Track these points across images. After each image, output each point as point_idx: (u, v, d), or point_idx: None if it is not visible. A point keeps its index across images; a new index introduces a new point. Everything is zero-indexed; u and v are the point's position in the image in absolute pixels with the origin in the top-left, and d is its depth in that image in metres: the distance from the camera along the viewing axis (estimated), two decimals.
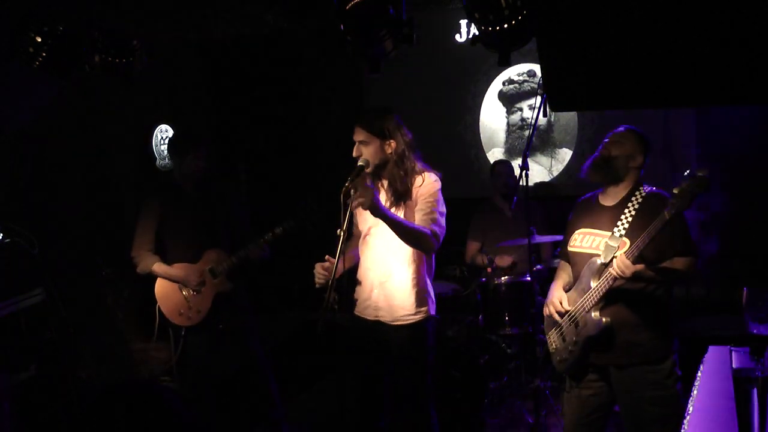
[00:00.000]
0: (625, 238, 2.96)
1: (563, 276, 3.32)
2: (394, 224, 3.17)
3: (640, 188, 3.08)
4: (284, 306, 7.04)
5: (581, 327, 3.03)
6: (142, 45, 4.21)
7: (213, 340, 4.22)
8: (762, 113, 5.31)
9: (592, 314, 2.98)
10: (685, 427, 2.18)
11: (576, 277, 3.13)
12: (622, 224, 3.00)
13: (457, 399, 4.39)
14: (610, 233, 3.02)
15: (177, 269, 4.13)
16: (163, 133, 6.12)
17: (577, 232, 3.20)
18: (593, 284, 2.98)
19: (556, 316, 3.17)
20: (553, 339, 3.22)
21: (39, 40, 3.89)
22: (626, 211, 3.03)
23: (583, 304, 3.02)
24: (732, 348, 3.78)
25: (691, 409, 2.44)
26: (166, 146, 6.14)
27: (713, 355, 3.02)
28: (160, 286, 4.15)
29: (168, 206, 4.16)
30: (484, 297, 4.67)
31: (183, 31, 5.65)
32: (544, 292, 4.92)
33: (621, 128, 3.16)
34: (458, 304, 5.04)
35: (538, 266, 4.79)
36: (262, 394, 4.29)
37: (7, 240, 3.76)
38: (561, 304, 3.14)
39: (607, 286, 2.94)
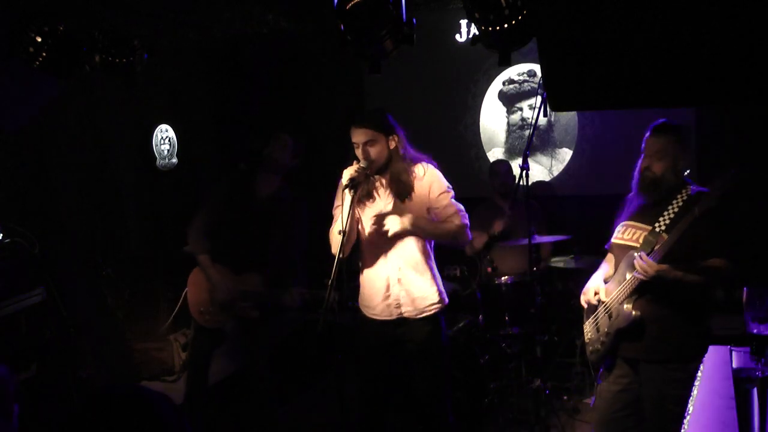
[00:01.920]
0: (665, 234, 2.97)
1: (605, 267, 3.35)
2: (432, 233, 3.34)
3: (688, 186, 3.07)
4: (284, 306, 7.03)
5: (614, 318, 3.08)
6: (142, 45, 4.20)
7: (218, 340, 4.20)
8: (762, 113, 5.31)
9: (624, 306, 3.03)
10: (686, 427, 2.18)
11: (616, 269, 3.17)
12: (664, 220, 3.01)
13: (458, 399, 4.39)
14: (651, 228, 3.03)
15: (217, 273, 4.04)
16: (164, 132, 6.12)
17: (621, 224, 3.23)
18: (628, 277, 3.01)
19: (585, 305, 3.25)
20: (588, 329, 3.28)
21: (39, 39, 3.89)
22: (670, 207, 3.03)
23: (618, 296, 3.07)
24: (732, 348, 3.78)
25: (691, 409, 2.44)
26: (167, 146, 6.14)
27: (713, 355, 3.03)
28: (196, 276, 4.15)
29: (235, 203, 4.09)
30: (485, 297, 4.67)
31: (183, 30, 5.65)
32: (545, 292, 4.95)
33: (655, 132, 3.09)
34: (458, 304, 5.04)
35: (539, 266, 4.79)
36: (259, 400, 4.22)
37: (8, 240, 3.76)
38: (596, 294, 3.18)
39: (637, 280, 2.97)
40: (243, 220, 4.06)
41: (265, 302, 4.06)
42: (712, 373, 2.83)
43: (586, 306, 3.28)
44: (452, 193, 3.41)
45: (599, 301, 3.18)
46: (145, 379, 5.32)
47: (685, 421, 2.21)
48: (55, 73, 4.05)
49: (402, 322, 3.40)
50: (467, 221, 3.40)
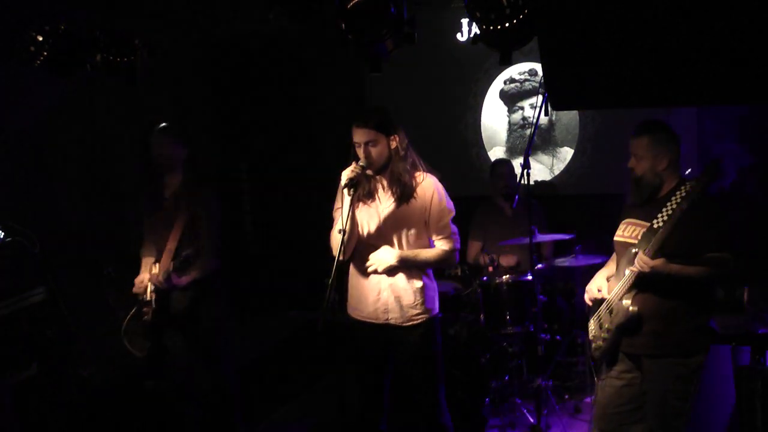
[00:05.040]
0: (661, 231, 2.97)
1: (610, 265, 3.37)
2: (420, 265, 3.35)
3: (686, 182, 3.07)
4: (284, 306, 7.04)
5: (614, 314, 3.11)
6: (143, 44, 4.20)
7: (191, 341, 4.06)
8: (762, 113, 5.30)
9: (624, 302, 3.05)
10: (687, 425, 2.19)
11: (618, 266, 3.19)
12: (662, 216, 3.01)
13: (459, 398, 4.38)
14: (650, 224, 3.04)
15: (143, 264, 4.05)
16: None
17: (623, 222, 3.25)
18: (627, 273, 3.04)
19: (589, 302, 3.28)
20: (592, 326, 3.30)
21: (40, 39, 3.89)
22: (669, 204, 3.03)
23: (618, 292, 3.10)
24: (734, 347, 3.78)
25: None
26: None
27: (715, 354, 3.03)
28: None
29: (147, 210, 4.08)
30: (486, 296, 4.66)
31: (184, 30, 5.65)
32: (546, 291, 4.95)
33: (635, 132, 3.14)
34: (459, 303, 5.05)
35: (540, 265, 4.78)
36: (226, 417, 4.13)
37: (9, 239, 3.76)
38: (600, 291, 3.22)
39: (635, 276, 3.00)
40: (155, 222, 4.03)
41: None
42: (714, 373, 2.84)
43: (590, 303, 3.29)
44: (453, 213, 3.39)
45: (602, 298, 3.20)
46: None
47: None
48: (56, 73, 4.05)
49: (389, 327, 3.38)
50: (458, 245, 3.41)
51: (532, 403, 4.47)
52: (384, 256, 3.30)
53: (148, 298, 3.90)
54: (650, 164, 3.08)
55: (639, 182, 3.12)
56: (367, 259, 3.36)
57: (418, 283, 3.36)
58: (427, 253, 3.37)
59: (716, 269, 2.99)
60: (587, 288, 3.31)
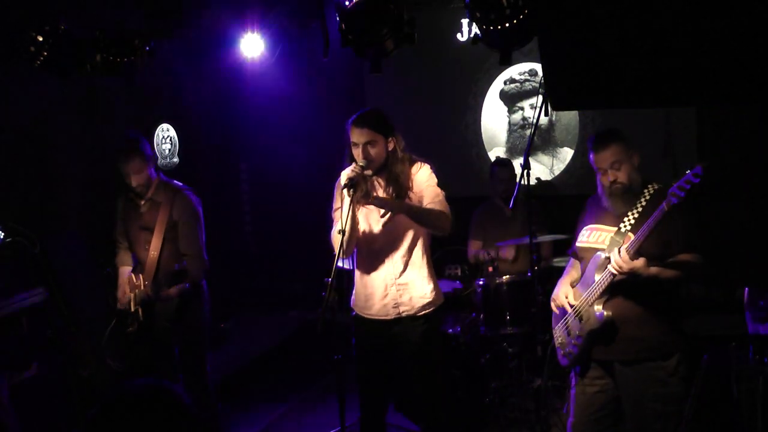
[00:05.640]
0: (630, 234, 2.96)
1: (572, 272, 3.33)
2: (416, 213, 3.30)
3: (649, 186, 3.07)
4: (284, 306, 7.05)
5: (584, 321, 3.06)
6: (143, 44, 4.20)
7: (176, 350, 4.06)
8: (762, 113, 5.30)
9: (595, 308, 3.01)
10: (686, 426, 2.18)
11: (583, 273, 3.15)
12: (629, 220, 3.00)
13: (458, 398, 4.39)
14: (617, 229, 3.02)
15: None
16: (165, 132, 6.13)
17: (585, 228, 3.22)
18: (597, 278, 2.99)
19: (556, 310, 3.23)
20: (558, 333, 3.25)
21: (40, 39, 3.90)
22: (634, 208, 3.02)
23: (587, 299, 3.05)
24: (732, 347, 3.78)
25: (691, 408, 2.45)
26: (168, 145, 6.15)
27: (713, 355, 3.03)
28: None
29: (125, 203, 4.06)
30: (485, 296, 4.66)
31: (184, 30, 5.64)
32: (545, 291, 4.94)
33: (597, 148, 3.06)
34: (459, 302, 5.05)
35: (539, 265, 4.78)
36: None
37: (9, 239, 3.76)
38: (567, 298, 3.17)
39: (608, 281, 2.95)
40: (131, 229, 4.03)
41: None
42: (713, 373, 2.84)
43: (557, 311, 3.26)
44: (442, 193, 3.39)
45: (570, 304, 3.16)
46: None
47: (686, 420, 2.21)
48: (56, 73, 4.05)
49: (399, 321, 3.40)
50: (449, 213, 3.37)
51: (532, 403, 4.47)
52: (391, 203, 3.25)
53: (132, 310, 3.85)
54: (630, 165, 3.04)
55: (628, 188, 3.04)
56: (371, 259, 3.41)
57: (426, 273, 3.44)
58: (425, 208, 3.33)
59: (689, 271, 2.97)
60: (553, 296, 3.26)
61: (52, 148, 4.94)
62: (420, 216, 3.31)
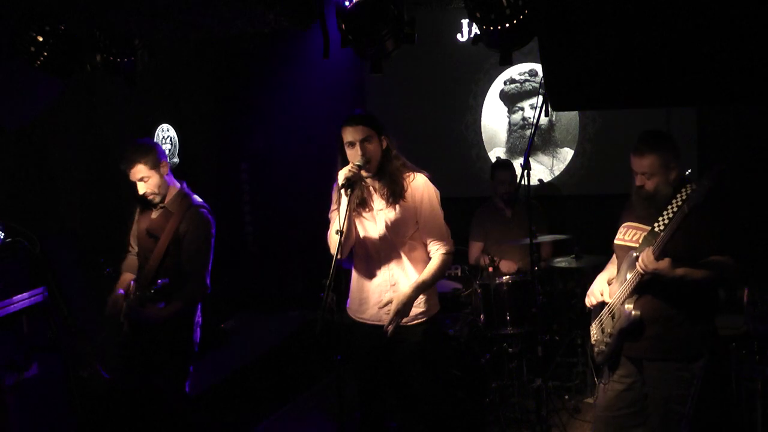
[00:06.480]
0: (664, 234, 2.95)
1: (610, 268, 3.35)
2: (426, 289, 3.32)
3: (687, 185, 3.04)
4: (284, 306, 7.05)
5: (616, 319, 3.09)
6: (143, 44, 4.20)
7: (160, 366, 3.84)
8: (762, 113, 5.30)
9: (625, 306, 3.04)
10: (688, 427, 2.18)
11: (618, 270, 3.18)
12: (663, 220, 3.00)
13: (459, 398, 4.38)
14: (651, 228, 3.03)
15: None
16: (165, 132, 6.13)
17: (623, 225, 3.23)
18: (629, 277, 3.03)
19: (590, 305, 3.27)
20: (594, 330, 3.29)
21: (40, 39, 3.89)
22: (669, 207, 3.01)
23: (620, 297, 3.08)
24: (732, 347, 3.78)
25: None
26: (168, 145, 6.15)
27: (715, 354, 3.02)
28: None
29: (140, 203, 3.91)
30: (486, 296, 4.66)
31: (184, 30, 5.65)
32: (546, 291, 4.95)
33: (636, 152, 3.03)
34: (459, 303, 5.05)
35: (539, 265, 4.78)
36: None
37: (9, 239, 3.75)
38: (602, 295, 3.20)
39: (637, 280, 2.98)
40: (141, 233, 3.88)
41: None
42: (712, 373, 2.83)
43: (591, 307, 3.28)
44: (441, 214, 3.39)
45: (604, 302, 3.19)
46: None
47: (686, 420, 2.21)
48: (56, 73, 4.05)
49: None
50: (452, 247, 3.39)
51: (532, 403, 4.47)
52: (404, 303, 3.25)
53: (121, 320, 3.73)
54: (662, 179, 3.01)
55: (652, 197, 3.03)
56: (366, 264, 3.40)
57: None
58: (432, 271, 3.33)
59: (719, 273, 2.95)
60: (589, 292, 3.29)
61: (52, 147, 4.94)
62: (432, 285, 3.35)
